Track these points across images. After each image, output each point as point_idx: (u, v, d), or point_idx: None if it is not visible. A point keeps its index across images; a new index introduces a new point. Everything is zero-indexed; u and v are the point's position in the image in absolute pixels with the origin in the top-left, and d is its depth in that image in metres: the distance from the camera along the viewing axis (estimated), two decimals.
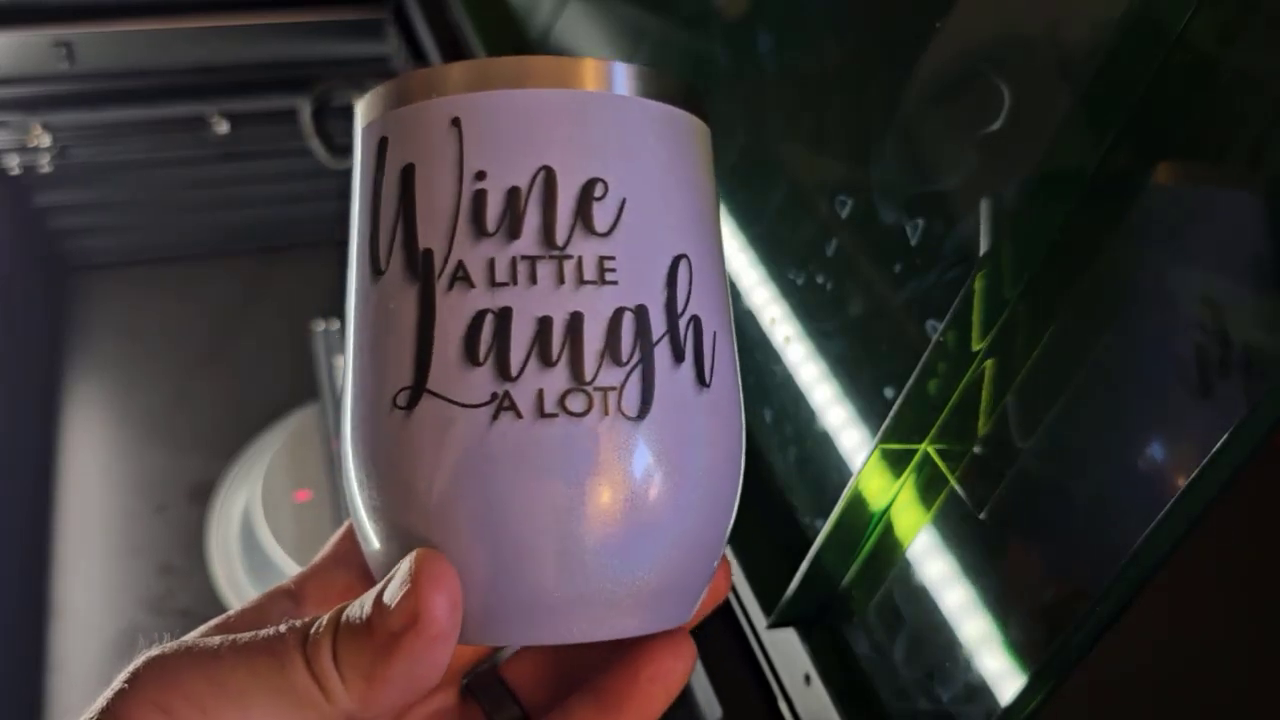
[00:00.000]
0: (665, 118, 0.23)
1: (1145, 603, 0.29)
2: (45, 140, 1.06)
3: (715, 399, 0.23)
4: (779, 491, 0.43)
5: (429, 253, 0.22)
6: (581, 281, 0.21)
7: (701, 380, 0.23)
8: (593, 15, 0.65)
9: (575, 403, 0.21)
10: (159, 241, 1.28)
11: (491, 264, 0.21)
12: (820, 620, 0.40)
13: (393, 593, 0.21)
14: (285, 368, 1.11)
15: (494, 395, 0.21)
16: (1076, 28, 0.33)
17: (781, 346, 0.44)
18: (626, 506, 0.22)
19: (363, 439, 0.23)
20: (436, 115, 0.22)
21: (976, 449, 0.34)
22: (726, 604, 0.43)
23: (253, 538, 0.97)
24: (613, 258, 0.22)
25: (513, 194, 0.21)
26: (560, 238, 0.21)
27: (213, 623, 0.25)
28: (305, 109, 0.97)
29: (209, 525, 1.02)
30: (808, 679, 0.38)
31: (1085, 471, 0.31)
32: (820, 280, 0.42)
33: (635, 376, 0.22)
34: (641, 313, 0.22)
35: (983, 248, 0.33)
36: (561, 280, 0.21)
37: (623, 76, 0.23)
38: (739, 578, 0.42)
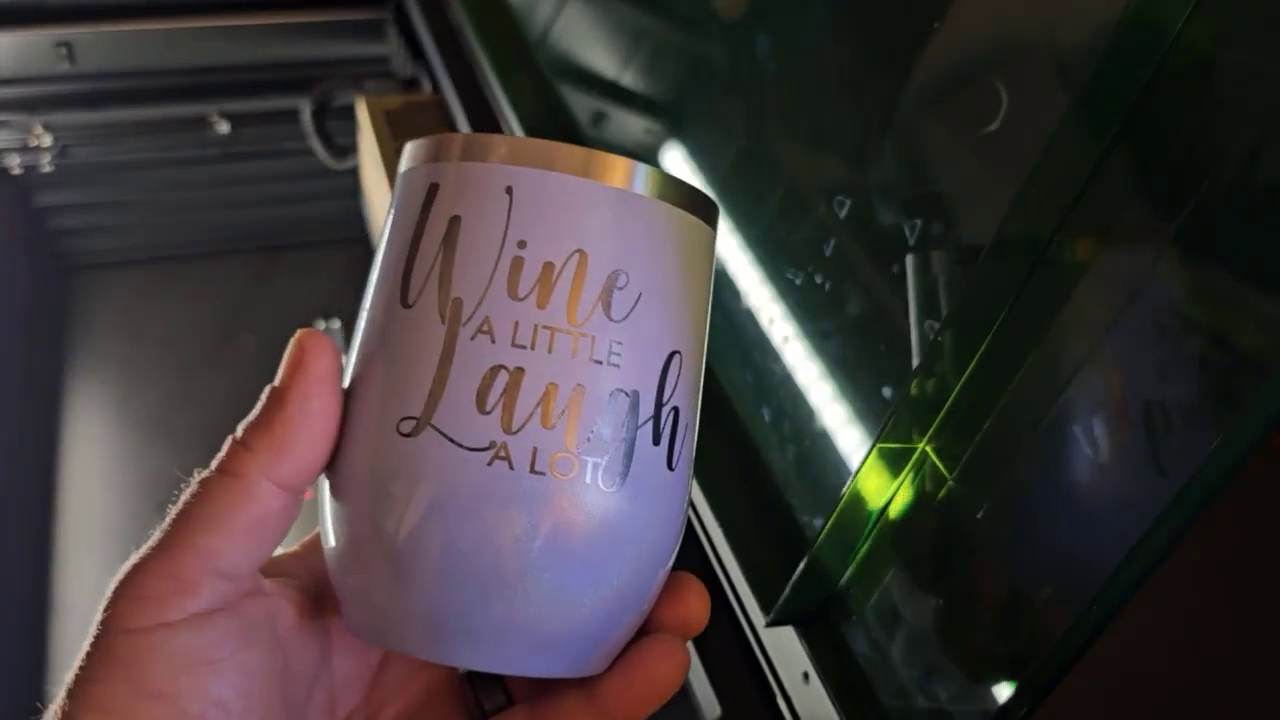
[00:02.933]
0: (685, 225, 0.26)
1: (1142, 602, 0.29)
2: (46, 140, 1.06)
3: (676, 483, 0.26)
4: (778, 491, 0.43)
5: (459, 301, 0.23)
6: (592, 359, 0.24)
7: (669, 464, 0.25)
8: (592, 15, 0.65)
9: (563, 466, 0.23)
10: (159, 241, 1.28)
11: (516, 325, 0.23)
12: (819, 618, 0.40)
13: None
14: None
15: (492, 443, 0.23)
16: (1075, 28, 0.33)
17: (780, 346, 0.44)
18: (584, 563, 0.24)
19: (359, 451, 0.24)
20: (492, 179, 0.24)
21: (975, 449, 0.34)
22: (725, 602, 0.43)
23: None
24: (621, 343, 0.24)
25: (547, 268, 0.23)
26: (580, 316, 0.24)
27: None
28: (306, 109, 0.98)
29: None
30: (806, 677, 0.38)
31: (1083, 472, 0.31)
32: (819, 280, 0.42)
33: (619, 452, 0.24)
34: (634, 397, 0.24)
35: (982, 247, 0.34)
36: (574, 354, 0.23)
37: (653, 182, 0.25)
38: (738, 577, 0.42)
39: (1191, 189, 0.29)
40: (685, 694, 0.43)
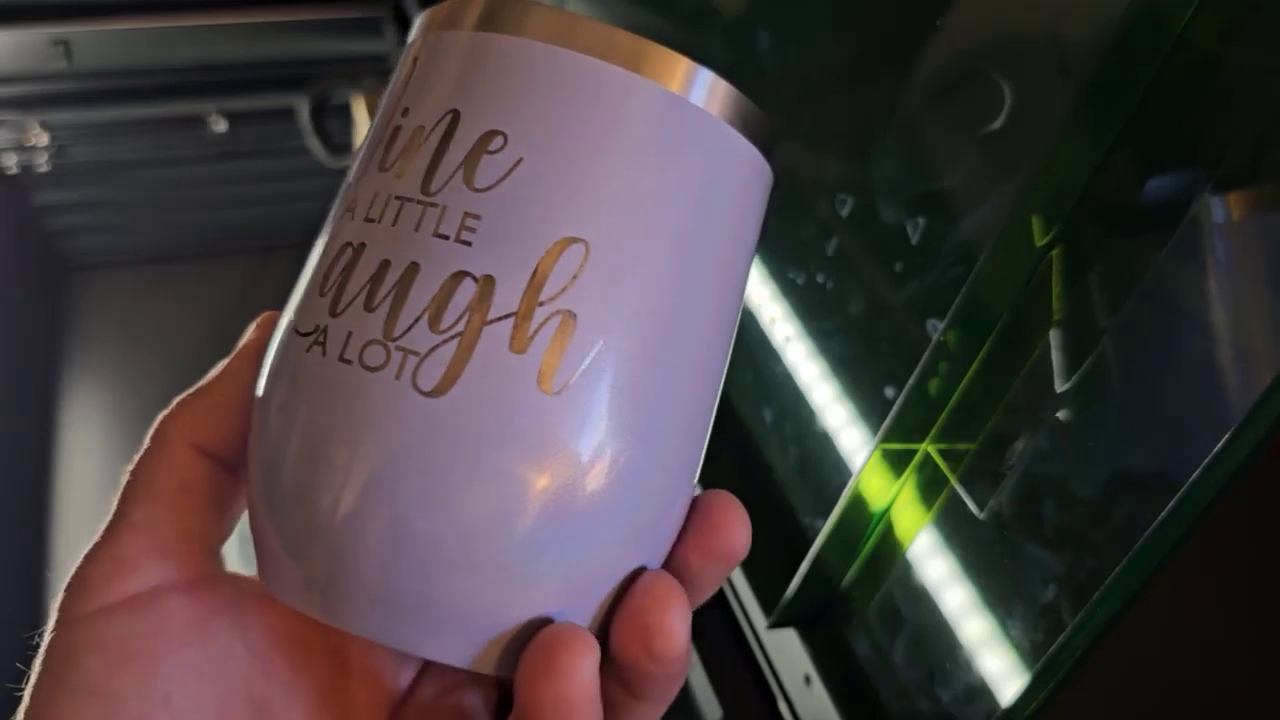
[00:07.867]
0: (618, 86, 0.21)
1: (1146, 603, 0.29)
2: (43, 139, 1.06)
3: (560, 413, 0.20)
4: (779, 491, 0.43)
5: (349, 183, 0.22)
6: (435, 234, 0.20)
7: (546, 382, 0.20)
8: (591, 12, 0.65)
9: (373, 355, 0.20)
10: (157, 241, 1.28)
11: (374, 198, 0.21)
12: (820, 621, 0.40)
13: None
14: None
15: (316, 328, 0.21)
16: (1077, 27, 0.32)
17: (781, 346, 0.44)
18: (386, 475, 0.20)
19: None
20: (410, 49, 0.23)
21: (977, 449, 0.34)
22: (726, 604, 0.43)
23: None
24: (478, 217, 0.20)
25: (416, 133, 0.21)
26: (435, 184, 0.20)
27: None
28: (304, 107, 0.97)
29: None
30: (808, 679, 0.38)
31: (1086, 471, 0.31)
32: (820, 279, 0.42)
33: (447, 349, 0.19)
34: (486, 284, 0.20)
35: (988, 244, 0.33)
36: (417, 228, 0.20)
37: (560, 28, 0.21)
38: (739, 578, 0.42)
39: (1196, 187, 0.29)
40: (686, 696, 0.43)
